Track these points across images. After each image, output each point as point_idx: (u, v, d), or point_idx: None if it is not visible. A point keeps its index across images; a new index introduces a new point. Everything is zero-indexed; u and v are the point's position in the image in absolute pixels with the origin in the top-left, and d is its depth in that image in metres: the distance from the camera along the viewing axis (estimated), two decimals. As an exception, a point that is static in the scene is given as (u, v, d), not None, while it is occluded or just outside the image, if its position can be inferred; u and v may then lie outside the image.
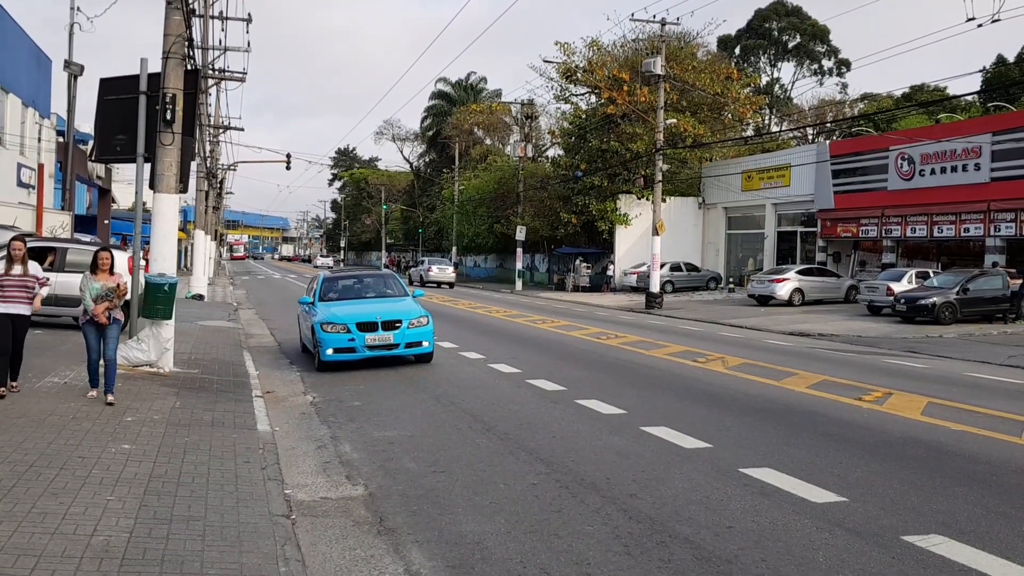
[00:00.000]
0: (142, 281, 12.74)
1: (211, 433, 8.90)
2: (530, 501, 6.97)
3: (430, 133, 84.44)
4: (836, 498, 6.99)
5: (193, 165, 19.04)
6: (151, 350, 12.53)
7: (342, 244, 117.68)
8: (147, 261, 14.93)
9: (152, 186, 12.90)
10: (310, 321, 15.04)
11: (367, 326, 14.31)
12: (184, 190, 13.79)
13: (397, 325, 14.47)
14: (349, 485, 7.58)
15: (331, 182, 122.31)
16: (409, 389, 12.70)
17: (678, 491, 7.22)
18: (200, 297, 31.01)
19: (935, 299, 25.14)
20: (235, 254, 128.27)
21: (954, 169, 31.36)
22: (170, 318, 12.62)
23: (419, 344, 14.71)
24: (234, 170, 59.70)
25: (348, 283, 16.89)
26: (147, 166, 13.20)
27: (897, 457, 8.51)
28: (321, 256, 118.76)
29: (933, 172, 32.25)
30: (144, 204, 14.07)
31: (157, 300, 12.34)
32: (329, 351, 14.18)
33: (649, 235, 36.13)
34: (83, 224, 35.73)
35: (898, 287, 27.68)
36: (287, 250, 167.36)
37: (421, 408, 11.17)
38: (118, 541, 5.50)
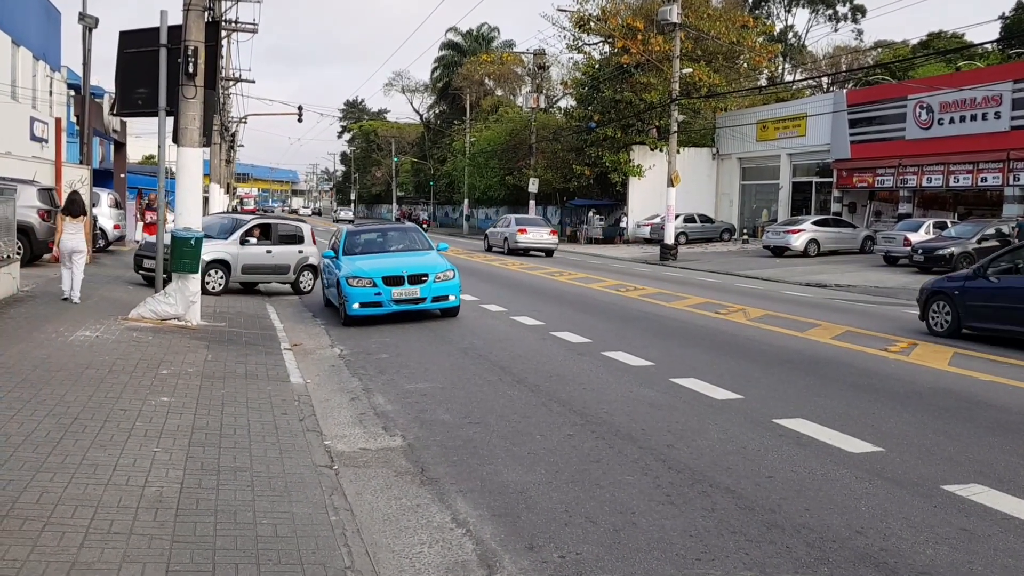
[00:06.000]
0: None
1: (246, 385, 9.00)
2: (568, 452, 7.04)
3: (440, 84, 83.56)
4: (872, 448, 7.04)
5: (211, 118, 18.94)
6: (178, 303, 12.61)
7: (352, 197, 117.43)
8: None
9: (176, 140, 12.87)
10: (335, 275, 15.03)
11: (394, 280, 14.29)
12: (207, 144, 13.76)
13: (424, 279, 14.45)
14: (387, 436, 7.67)
15: (340, 134, 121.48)
16: (435, 341, 12.76)
17: (714, 442, 7.28)
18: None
19: (953, 249, 24.99)
20: (246, 207, 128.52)
21: (973, 118, 31.00)
22: (196, 272, 12.70)
23: (445, 298, 14.71)
24: (245, 123, 59.44)
25: (372, 237, 16.81)
26: (169, 120, 13.18)
27: (928, 407, 8.54)
28: (303, 208, 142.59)
29: (952, 121, 31.89)
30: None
31: (184, 254, 12.42)
32: (355, 305, 14.20)
33: (662, 186, 35.91)
34: (99, 178, 35.64)
35: (915, 237, 27.54)
36: (297, 203, 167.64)
37: (449, 360, 11.24)
38: (170, 492, 5.59)
